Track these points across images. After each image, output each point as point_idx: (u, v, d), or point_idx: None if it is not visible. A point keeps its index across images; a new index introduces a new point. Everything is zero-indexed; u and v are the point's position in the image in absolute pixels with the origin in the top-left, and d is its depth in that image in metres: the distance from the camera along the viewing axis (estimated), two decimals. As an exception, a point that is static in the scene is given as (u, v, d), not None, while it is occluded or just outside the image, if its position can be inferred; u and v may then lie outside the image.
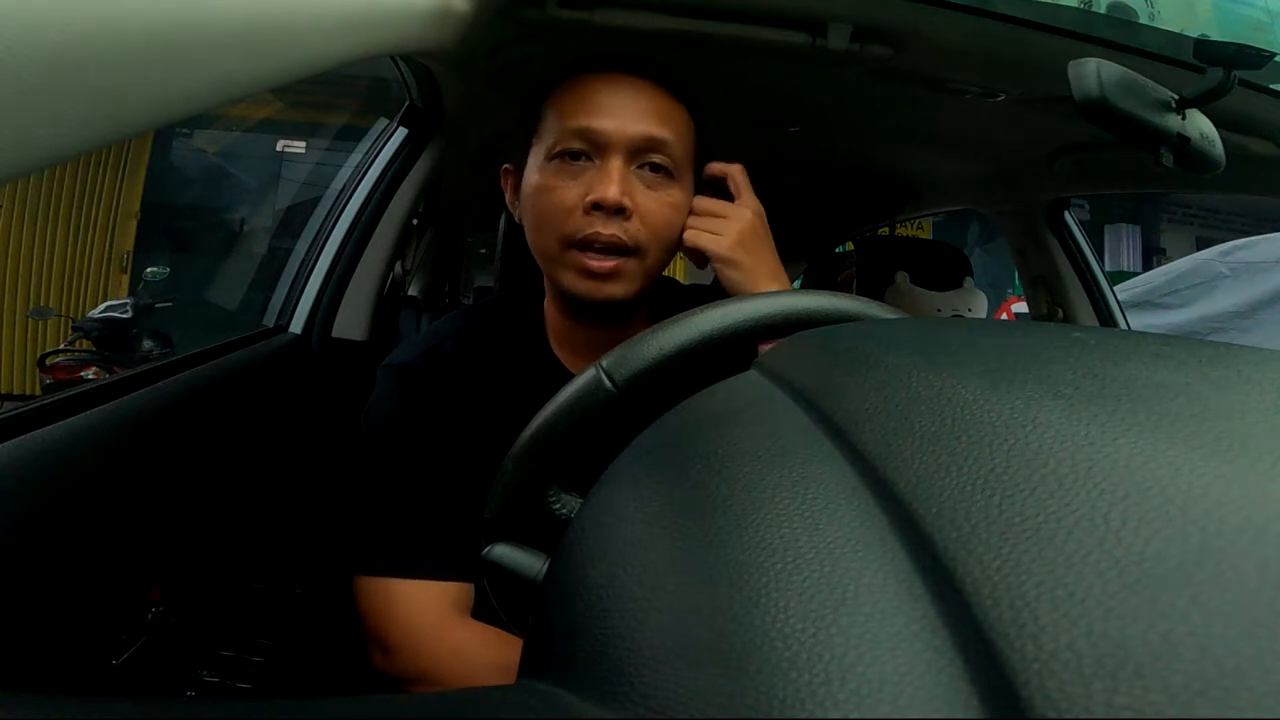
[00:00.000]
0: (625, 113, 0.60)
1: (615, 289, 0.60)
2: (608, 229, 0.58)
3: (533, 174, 0.62)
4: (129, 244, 4.60)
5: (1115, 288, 1.46)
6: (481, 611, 0.59)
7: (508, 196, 0.68)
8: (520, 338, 0.67)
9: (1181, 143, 0.53)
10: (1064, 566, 0.13)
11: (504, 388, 0.64)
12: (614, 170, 0.59)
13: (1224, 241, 3.27)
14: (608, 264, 0.59)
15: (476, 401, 0.63)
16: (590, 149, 0.60)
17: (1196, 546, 0.12)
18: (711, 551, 0.19)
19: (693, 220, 0.63)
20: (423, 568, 0.58)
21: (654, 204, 0.60)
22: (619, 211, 0.58)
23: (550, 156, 0.60)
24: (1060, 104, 0.83)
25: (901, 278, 1.46)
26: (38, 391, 3.69)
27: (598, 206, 0.58)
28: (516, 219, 0.66)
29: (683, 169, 0.62)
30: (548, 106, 0.62)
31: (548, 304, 0.68)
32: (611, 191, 0.58)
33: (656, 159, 0.60)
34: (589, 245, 0.59)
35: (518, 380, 0.64)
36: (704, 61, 0.79)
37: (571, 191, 0.59)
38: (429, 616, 0.58)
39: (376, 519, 0.60)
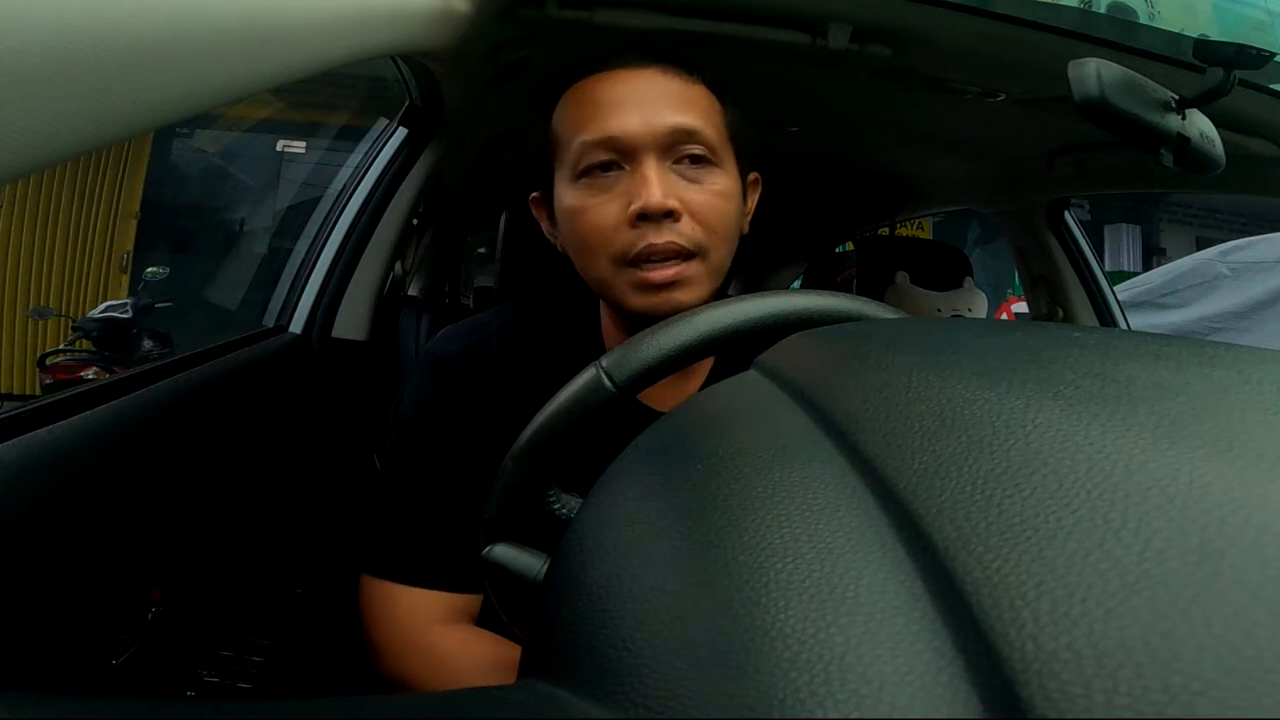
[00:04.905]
0: (645, 108, 0.55)
1: (684, 296, 0.54)
2: (660, 238, 0.53)
3: (564, 198, 0.57)
4: (129, 244, 4.60)
5: (1115, 288, 1.46)
6: (485, 615, 0.58)
7: (544, 227, 0.63)
8: (575, 347, 0.61)
9: (1181, 143, 0.53)
10: (1064, 566, 0.13)
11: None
12: (650, 173, 0.54)
13: (1224, 241, 3.28)
14: (669, 270, 0.54)
15: (517, 407, 0.58)
16: (618, 157, 0.55)
17: (1196, 546, 0.12)
18: (711, 551, 0.19)
19: None
20: (429, 577, 0.57)
21: (701, 197, 0.55)
22: (668, 215, 0.53)
23: (577, 175, 0.56)
24: (1060, 104, 0.83)
25: (901, 278, 1.46)
26: (38, 391, 3.69)
27: (644, 217, 0.53)
28: (560, 249, 0.61)
29: (722, 151, 0.57)
30: (559, 123, 0.58)
31: (606, 316, 0.63)
32: (654, 197, 0.53)
33: (692, 150, 0.55)
34: (645, 260, 0.54)
35: None
36: (704, 61, 0.78)
37: (610, 206, 0.55)
38: (420, 625, 0.56)
39: (390, 518, 0.59)
